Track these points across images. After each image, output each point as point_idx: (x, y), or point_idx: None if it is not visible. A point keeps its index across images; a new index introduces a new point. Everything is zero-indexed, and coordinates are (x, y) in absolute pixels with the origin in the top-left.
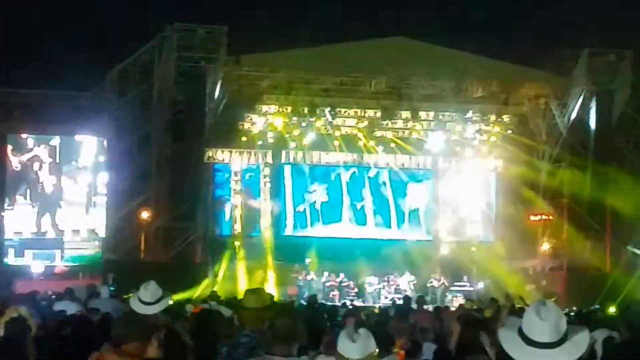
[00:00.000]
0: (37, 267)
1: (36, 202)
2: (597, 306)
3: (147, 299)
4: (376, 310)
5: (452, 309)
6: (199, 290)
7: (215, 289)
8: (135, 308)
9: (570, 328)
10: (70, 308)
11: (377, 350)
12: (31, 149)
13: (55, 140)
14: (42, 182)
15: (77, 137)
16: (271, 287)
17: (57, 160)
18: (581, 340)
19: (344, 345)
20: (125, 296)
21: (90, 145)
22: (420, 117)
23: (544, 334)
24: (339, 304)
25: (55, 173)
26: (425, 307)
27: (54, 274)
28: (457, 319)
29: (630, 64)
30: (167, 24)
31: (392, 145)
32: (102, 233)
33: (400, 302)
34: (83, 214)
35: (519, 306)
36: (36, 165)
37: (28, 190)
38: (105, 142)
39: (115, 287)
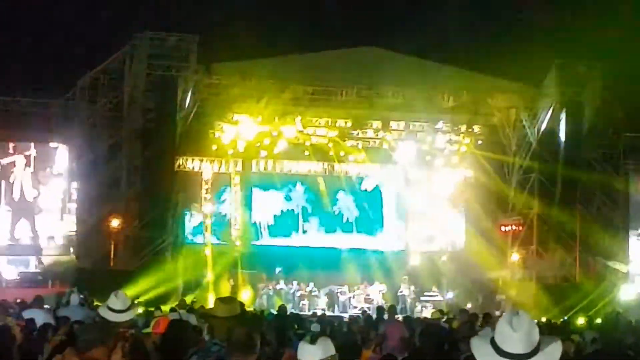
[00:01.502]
0: (9, 274)
1: (10, 208)
2: (566, 317)
3: (117, 307)
4: (346, 320)
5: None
6: (168, 299)
7: (185, 297)
8: (105, 316)
9: (542, 339)
10: (39, 316)
11: (336, 355)
12: (12, 154)
13: (31, 146)
14: (17, 188)
15: (51, 144)
16: (241, 296)
17: (33, 167)
18: (553, 351)
19: (303, 349)
20: (95, 304)
21: (64, 152)
22: (390, 126)
23: (517, 345)
24: (309, 313)
25: (30, 179)
26: (395, 316)
27: (24, 281)
28: (420, 335)
29: (600, 76)
30: (138, 32)
31: (363, 154)
32: (74, 237)
33: (371, 311)
34: (58, 220)
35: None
36: (12, 170)
37: (3, 196)
38: (76, 150)
39: (85, 295)
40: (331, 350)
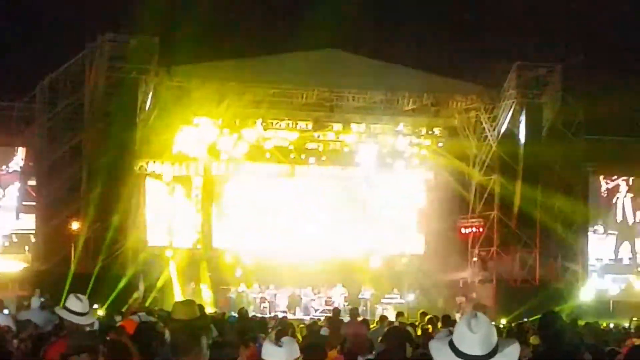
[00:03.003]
0: None
1: None
2: (525, 319)
3: (78, 310)
4: (307, 322)
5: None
6: (129, 302)
7: (144, 300)
8: (67, 318)
9: (500, 341)
10: None
11: (300, 357)
12: None
13: None
14: None
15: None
16: (202, 299)
17: None
18: (511, 352)
19: (268, 351)
20: (55, 308)
21: (21, 151)
22: (351, 129)
23: (475, 347)
24: (270, 315)
25: None
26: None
27: None
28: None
29: (559, 78)
30: (99, 34)
31: (323, 157)
32: (32, 239)
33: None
34: (13, 219)
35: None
36: None
37: None
38: (36, 152)
39: (47, 298)
40: (296, 352)
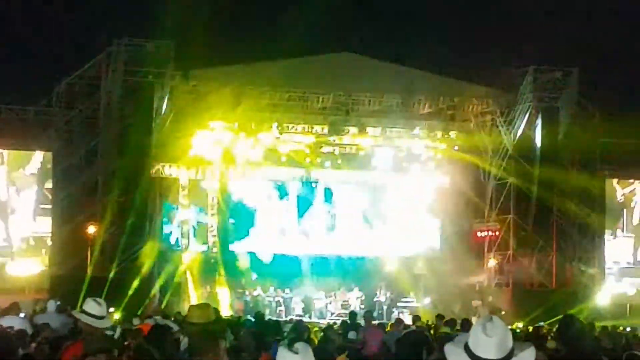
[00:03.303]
0: None
1: None
2: (542, 323)
3: (96, 313)
4: (323, 326)
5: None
6: (146, 305)
7: (161, 304)
8: (86, 321)
9: (516, 345)
10: (16, 323)
11: None
12: None
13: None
14: None
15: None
16: (218, 303)
17: (6, 167)
18: (527, 357)
19: (283, 357)
20: (73, 311)
21: (39, 155)
22: (367, 132)
23: (490, 351)
24: (286, 319)
25: (3, 180)
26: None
27: None
28: (397, 342)
29: (575, 81)
30: (115, 38)
31: (339, 160)
32: (49, 242)
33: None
34: (30, 222)
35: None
36: None
37: None
38: (53, 156)
39: (62, 301)
40: (310, 358)
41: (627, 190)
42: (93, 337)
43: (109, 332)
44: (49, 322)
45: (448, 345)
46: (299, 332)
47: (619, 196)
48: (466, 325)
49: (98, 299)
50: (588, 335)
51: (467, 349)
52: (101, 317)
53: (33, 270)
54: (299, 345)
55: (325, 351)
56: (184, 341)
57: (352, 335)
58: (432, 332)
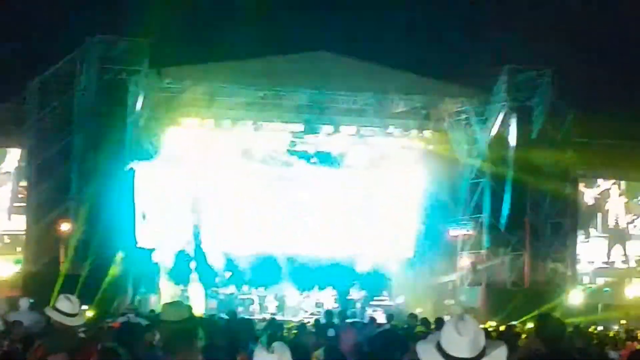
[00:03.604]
0: None
1: None
2: (515, 322)
3: (67, 311)
4: (295, 324)
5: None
6: (118, 303)
7: (134, 301)
8: (57, 319)
9: (488, 343)
10: None
11: None
12: None
13: None
14: None
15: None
16: (190, 301)
17: None
18: (499, 355)
19: (260, 357)
20: (46, 308)
21: (14, 152)
22: (341, 131)
23: (462, 349)
24: (259, 317)
25: None
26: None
27: None
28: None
29: (550, 81)
30: (89, 35)
31: (314, 159)
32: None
33: (320, 316)
34: (5, 220)
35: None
36: None
37: None
38: (26, 153)
39: (35, 299)
40: (288, 357)
41: (596, 192)
42: (54, 335)
43: (81, 330)
44: (22, 320)
45: (420, 344)
46: (273, 330)
47: (588, 199)
48: (440, 324)
49: (70, 296)
50: (563, 334)
51: (439, 347)
52: (72, 315)
53: (7, 269)
54: (276, 345)
55: (301, 348)
56: (157, 339)
57: (330, 332)
58: (406, 331)
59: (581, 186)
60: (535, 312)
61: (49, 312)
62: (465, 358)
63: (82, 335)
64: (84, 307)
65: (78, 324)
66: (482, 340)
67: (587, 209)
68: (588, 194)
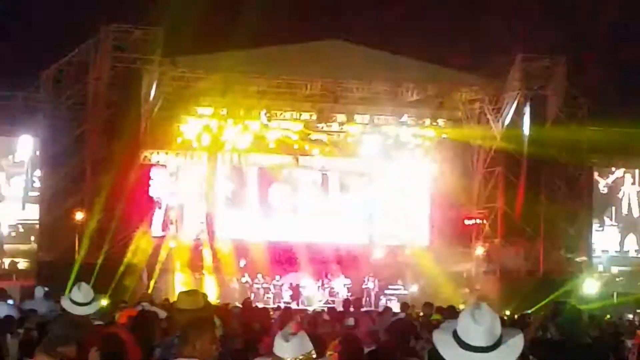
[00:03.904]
0: None
1: None
2: (529, 311)
3: (79, 300)
4: (310, 313)
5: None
6: (133, 292)
7: (149, 290)
8: (68, 309)
9: (504, 331)
10: (3, 310)
11: (313, 351)
12: None
13: None
14: None
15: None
16: (205, 289)
17: None
18: (516, 343)
19: (279, 345)
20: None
21: (27, 141)
22: (355, 120)
23: (479, 338)
24: (274, 306)
25: None
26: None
27: None
28: (386, 329)
29: (564, 70)
30: (103, 24)
31: (327, 148)
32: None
33: (335, 305)
34: (19, 209)
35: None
36: None
37: None
38: (40, 142)
39: (50, 288)
40: (308, 346)
41: (609, 180)
42: (65, 325)
43: (95, 319)
44: (37, 309)
45: (436, 333)
46: (286, 319)
47: (602, 187)
48: (451, 313)
49: (82, 285)
50: (579, 320)
51: (455, 336)
52: (82, 304)
53: (21, 257)
54: (297, 335)
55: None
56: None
57: (350, 321)
58: (420, 320)
59: (595, 175)
60: (550, 301)
61: (62, 301)
62: (482, 346)
63: (97, 323)
64: (99, 295)
65: (89, 313)
66: (498, 329)
67: (602, 197)
68: (602, 183)
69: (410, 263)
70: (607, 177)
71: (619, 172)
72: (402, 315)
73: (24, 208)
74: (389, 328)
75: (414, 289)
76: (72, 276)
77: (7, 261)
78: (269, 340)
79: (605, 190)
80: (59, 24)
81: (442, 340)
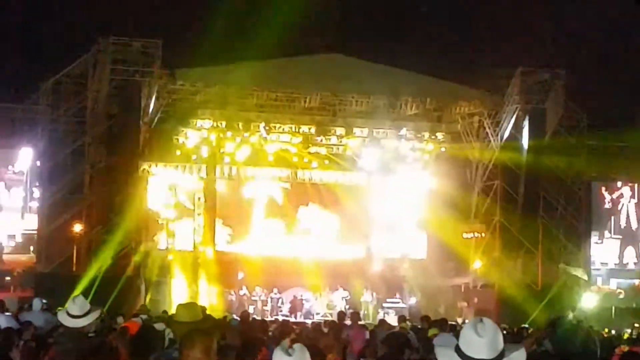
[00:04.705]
0: None
1: None
2: (526, 325)
3: (75, 312)
4: (309, 326)
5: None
6: (130, 304)
7: (146, 302)
8: (63, 321)
9: (507, 346)
10: (2, 321)
11: None
12: None
13: None
14: None
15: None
16: (203, 302)
17: None
18: (518, 357)
19: (280, 359)
20: (58, 309)
21: (27, 152)
22: (354, 133)
23: (482, 351)
24: (271, 319)
25: None
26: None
27: None
28: (382, 342)
29: (562, 83)
30: (102, 37)
31: (326, 161)
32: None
33: (333, 317)
34: (18, 219)
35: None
36: None
37: None
38: (39, 154)
39: (48, 299)
40: (307, 359)
41: (614, 195)
42: (64, 338)
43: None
44: (34, 321)
45: (438, 347)
46: (284, 332)
47: (607, 203)
48: (444, 326)
49: (77, 298)
50: (576, 336)
51: (458, 349)
52: (77, 317)
53: (20, 268)
54: (296, 347)
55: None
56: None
57: (344, 334)
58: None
59: (602, 190)
60: (548, 315)
61: (59, 314)
62: (484, 359)
63: (92, 335)
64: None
65: (83, 325)
66: (501, 343)
67: (603, 211)
68: (608, 198)
69: (408, 276)
70: (614, 192)
71: (619, 186)
72: (397, 328)
73: (23, 218)
74: (384, 340)
75: (412, 302)
76: (70, 288)
77: (5, 272)
78: (267, 353)
79: (610, 206)
80: (58, 36)
81: (444, 354)
